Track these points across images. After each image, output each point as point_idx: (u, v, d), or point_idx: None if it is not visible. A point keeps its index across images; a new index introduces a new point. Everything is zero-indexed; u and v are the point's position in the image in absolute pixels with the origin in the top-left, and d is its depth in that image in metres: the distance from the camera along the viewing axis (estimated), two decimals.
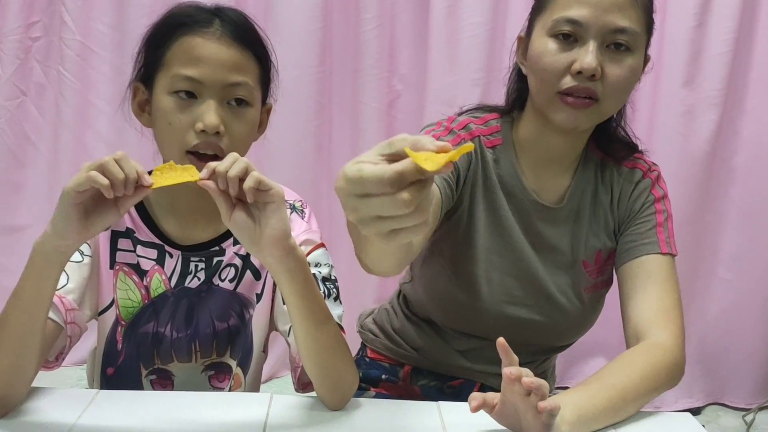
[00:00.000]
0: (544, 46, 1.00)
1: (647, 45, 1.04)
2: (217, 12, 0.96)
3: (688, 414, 1.00)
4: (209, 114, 0.91)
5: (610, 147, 1.12)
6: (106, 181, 0.74)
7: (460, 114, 1.14)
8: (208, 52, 0.92)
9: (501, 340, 0.80)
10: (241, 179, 0.79)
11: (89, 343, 1.07)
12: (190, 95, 0.92)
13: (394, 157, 0.54)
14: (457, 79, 2.12)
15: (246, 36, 0.95)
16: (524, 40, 1.07)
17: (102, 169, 0.75)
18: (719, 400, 2.35)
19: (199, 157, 0.92)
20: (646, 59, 1.05)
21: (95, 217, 0.78)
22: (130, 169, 0.76)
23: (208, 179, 0.80)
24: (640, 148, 1.15)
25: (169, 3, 1.01)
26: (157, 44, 0.95)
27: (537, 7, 1.05)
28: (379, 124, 2.19)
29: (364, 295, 2.29)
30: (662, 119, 2.15)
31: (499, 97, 1.17)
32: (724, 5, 2.05)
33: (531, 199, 1.09)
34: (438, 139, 1.05)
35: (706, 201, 2.21)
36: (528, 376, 0.77)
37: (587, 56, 0.96)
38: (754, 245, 2.23)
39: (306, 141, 2.17)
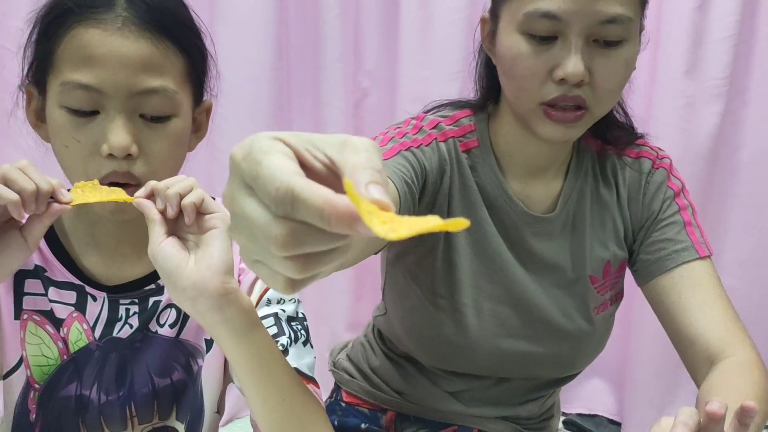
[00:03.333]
0: (516, 46, 0.87)
1: (642, 19, 0.92)
2: None
3: None
4: (115, 133, 0.76)
5: (608, 134, 1.03)
6: (15, 196, 0.65)
7: (426, 113, 1.05)
8: (107, 50, 0.75)
9: (713, 409, 0.64)
10: (182, 198, 0.70)
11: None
12: (91, 112, 0.77)
13: (333, 167, 0.39)
14: (432, 73, 2.04)
15: (163, 20, 0.79)
16: (490, 24, 0.96)
17: (5, 182, 0.65)
18: None
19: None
20: (641, 30, 0.93)
21: None
22: (42, 179, 0.67)
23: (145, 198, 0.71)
24: (640, 133, 1.07)
25: None
26: (45, 36, 0.79)
27: None
28: (345, 127, 2.11)
29: (336, 321, 2.19)
30: (660, 112, 2.08)
31: None
32: None
33: (519, 210, 0.99)
34: (405, 134, 0.92)
35: (709, 201, 2.15)
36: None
37: (570, 61, 0.84)
38: (760, 248, 2.18)
39: None
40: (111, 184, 0.77)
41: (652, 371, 2.16)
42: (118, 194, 0.72)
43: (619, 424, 2.25)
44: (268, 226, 0.37)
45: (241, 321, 0.70)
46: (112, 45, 0.75)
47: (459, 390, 1.08)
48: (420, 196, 0.93)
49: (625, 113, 1.04)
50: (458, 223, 0.33)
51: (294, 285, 0.40)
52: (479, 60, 1.02)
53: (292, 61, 2.08)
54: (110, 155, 0.76)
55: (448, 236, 0.98)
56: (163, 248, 0.68)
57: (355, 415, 1.17)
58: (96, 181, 0.74)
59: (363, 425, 1.15)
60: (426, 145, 0.95)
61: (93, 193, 0.72)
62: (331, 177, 0.38)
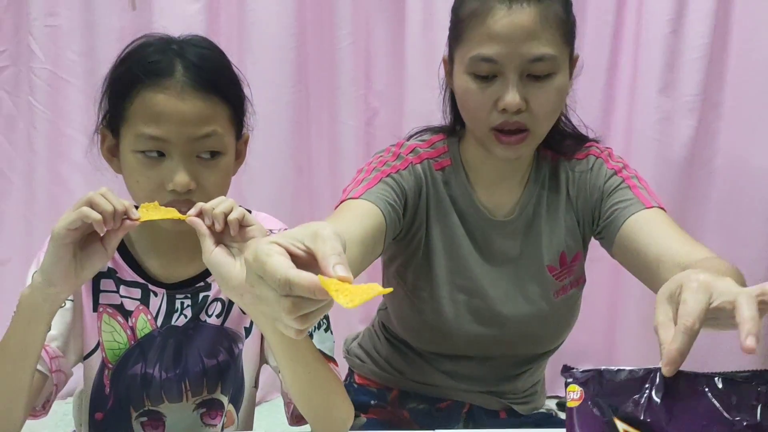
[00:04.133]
0: (465, 85, 1.00)
1: (571, 51, 1.03)
2: (180, 52, 0.92)
3: None
4: (179, 174, 0.90)
5: (561, 145, 1.13)
6: (98, 216, 0.76)
7: (408, 138, 1.16)
8: (170, 109, 0.89)
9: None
10: (226, 215, 0.81)
11: (76, 377, 1.06)
12: (158, 153, 0.91)
13: (310, 252, 0.57)
14: (436, 93, 2.06)
15: (212, 80, 0.92)
16: (448, 65, 1.07)
17: (91, 204, 0.77)
18: None
19: None
20: (574, 61, 1.05)
21: (84, 260, 0.80)
22: (118, 202, 0.79)
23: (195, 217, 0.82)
24: (591, 137, 1.16)
25: (138, 29, 0.99)
26: (118, 95, 0.93)
27: (453, 36, 1.04)
28: (357, 142, 2.22)
29: (351, 314, 2.30)
30: (639, 126, 2.19)
31: None
32: (698, 11, 2.09)
33: (484, 217, 1.11)
34: (386, 163, 1.07)
35: (685, 205, 2.25)
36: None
37: (508, 94, 0.96)
38: (732, 246, 2.26)
39: (285, 163, 2.18)
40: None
41: (636, 358, 2.26)
42: (173, 213, 0.86)
43: None
44: (277, 301, 0.54)
45: None
46: (174, 106, 0.89)
47: (449, 369, 1.18)
48: (403, 212, 1.06)
49: (573, 126, 1.14)
50: (389, 289, 0.53)
51: (300, 333, 0.58)
52: (446, 93, 1.13)
53: (310, 84, 2.18)
54: (173, 190, 0.90)
55: (427, 241, 1.10)
56: (215, 256, 0.80)
57: (365, 394, 1.26)
58: (156, 203, 0.87)
59: (372, 402, 1.25)
60: (403, 169, 1.06)
61: (155, 212, 0.85)
62: (310, 257, 0.56)
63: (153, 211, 0.84)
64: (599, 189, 1.10)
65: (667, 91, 2.14)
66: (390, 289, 0.52)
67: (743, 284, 0.79)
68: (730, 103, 2.20)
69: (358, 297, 0.51)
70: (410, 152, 1.10)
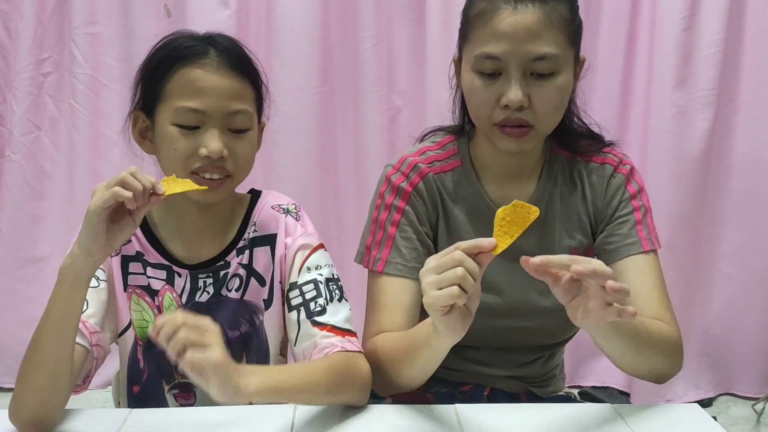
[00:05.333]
0: (471, 82, 0.99)
1: (577, 53, 1.02)
2: (211, 41, 0.97)
3: (696, 405, 1.00)
4: (213, 141, 0.93)
5: (576, 145, 1.12)
6: (129, 194, 0.80)
7: (422, 138, 1.16)
8: (209, 84, 0.93)
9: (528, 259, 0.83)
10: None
11: (112, 366, 1.09)
12: (194, 126, 0.94)
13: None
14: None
15: (242, 64, 0.97)
16: (458, 63, 1.06)
17: (123, 184, 0.80)
18: (729, 390, 2.34)
19: (201, 178, 0.95)
20: (581, 63, 1.04)
21: (116, 231, 0.84)
22: (146, 180, 0.82)
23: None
24: (607, 140, 1.14)
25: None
26: (156, 76, 0.96)
27: (462, 35, 1.04)
28: (381, 140, 2.20)
29: None
30: (655, 121, 2.15)
31: None
32: (712, 7, 2.05)
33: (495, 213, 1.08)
34: (391, 205, 1.07)
35: (705, 198, 2.20)
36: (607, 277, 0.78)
37: (511, 91, 0.96)
38: (753, 238, 2.22)
39: (311, 160, 2.17)
40: (198, 175, 0.94)
41: None
42: (190, 184, 0.88)
43: (627, 395, 2.30)
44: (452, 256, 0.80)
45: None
46: (211, 81, 0.93)
47: (471, 356, 1.17)
48: (429, 233, 1.07)
49: (587, 126, 1.13)
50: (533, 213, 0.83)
51: (461, 295, 0.79)
52: (456, 93, 1.11)
53: (335, 84, 2.18)
54: (207, 156, 0.93)
55: (436, 246, 1.09)
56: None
57: None
58: (174, 176, 0.89)
59: None
60: (406, 204, 1.07)
61: (174, 184, 0.87)
62: None
63: (173, 184, 0.87)
64: (613, 208, 1.10)
65: (683, 86, 2.09)
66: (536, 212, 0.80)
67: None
68: (746, 97, 2.15)
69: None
70: (411, 170, 1.08)
